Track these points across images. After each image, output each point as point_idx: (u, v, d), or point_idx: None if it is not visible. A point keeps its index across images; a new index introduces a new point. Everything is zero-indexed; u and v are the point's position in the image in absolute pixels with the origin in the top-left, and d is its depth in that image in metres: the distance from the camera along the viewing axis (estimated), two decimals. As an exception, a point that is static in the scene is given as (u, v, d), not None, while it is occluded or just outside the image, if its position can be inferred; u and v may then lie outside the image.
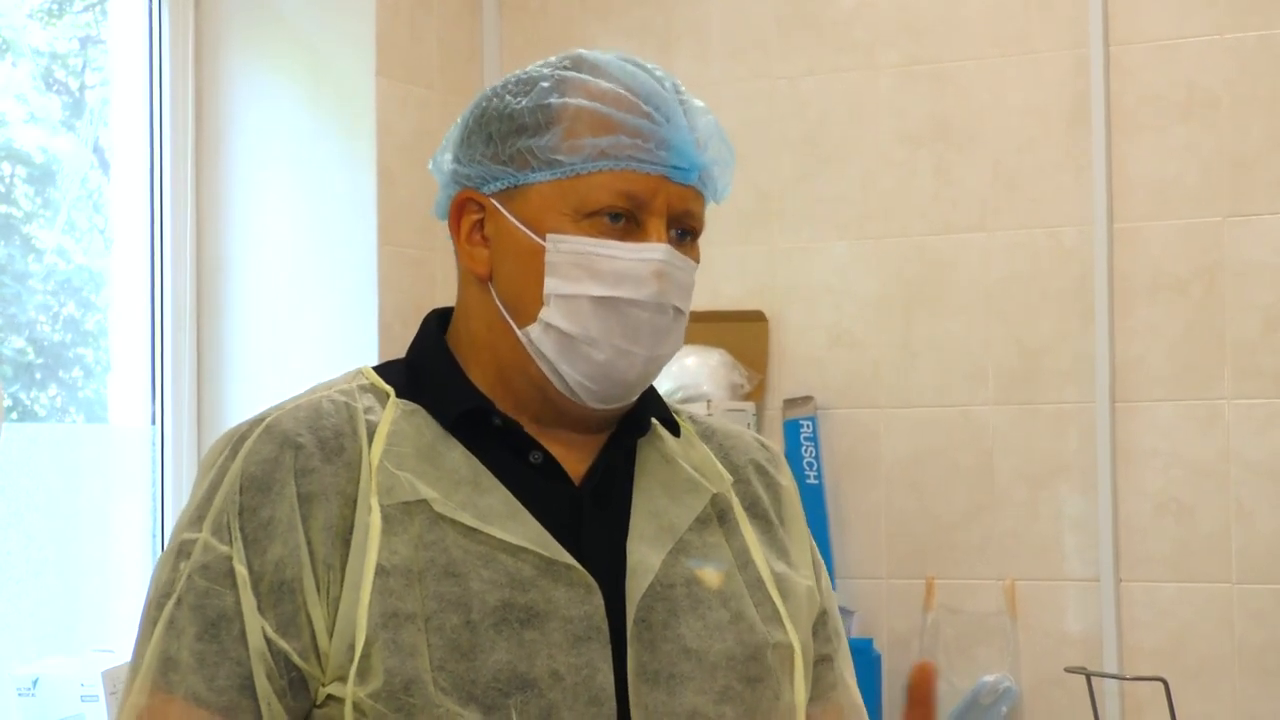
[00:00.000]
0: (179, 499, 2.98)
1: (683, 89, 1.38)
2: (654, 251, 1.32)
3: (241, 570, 1.27)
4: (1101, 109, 3.12)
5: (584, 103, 1.32)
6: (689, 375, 3.14)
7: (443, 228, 1.41)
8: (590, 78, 1.34)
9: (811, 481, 3.22)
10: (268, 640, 1.26)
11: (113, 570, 3.00)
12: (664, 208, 1.33)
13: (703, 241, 1.40)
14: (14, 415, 2.85)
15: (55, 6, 3.08)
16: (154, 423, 3.09)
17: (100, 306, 3.10)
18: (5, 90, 2.94)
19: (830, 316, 3.30)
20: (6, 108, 2.95)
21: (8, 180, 2.95)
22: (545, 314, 1.33)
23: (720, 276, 3.31)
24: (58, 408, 3.02)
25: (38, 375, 2.97)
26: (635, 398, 1.39)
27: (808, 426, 3.25)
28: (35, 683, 2.61)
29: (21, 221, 2.97)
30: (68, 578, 2.92)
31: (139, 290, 3.10)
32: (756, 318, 3.33)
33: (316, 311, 3.10)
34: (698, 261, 1.38)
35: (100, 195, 3.11)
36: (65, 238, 3.04)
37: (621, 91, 1.33)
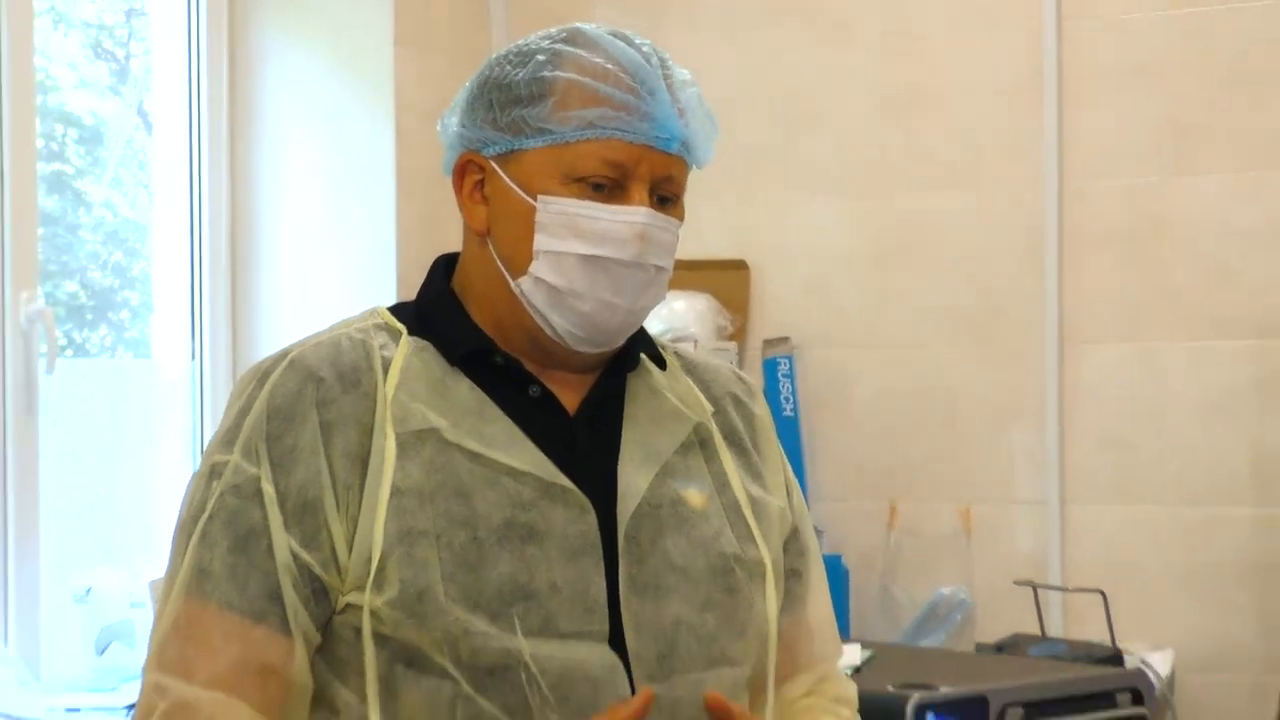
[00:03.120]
0: (215, 426, 2.98)
1: (670, 63, 1.36)
2: (635, 214, 1.31)
3: (269, 490, 1.27)
4: (1054, 79, 3.11)
5: (574, 77, 1.31)
6: (677, 318, 3.14)
7: (454, 184, 1.40)
8: (582, 52, 1.32)
9: (788, 414, 3.22)
10: (293, 554, 1.26)
11: (156, 490, 3.00)
12: (647, 174, 1.32)
13: (691, 197, 1.38)
14: (68, 352, 2.85)
15: (102, -20, 3.05)
16: (193, 358, 3.09)
17: (145, 254, 3.09)
18: (58, 58, 2.92)
19: (807, 266, 3.30)
20: (59, 74, 2.93)
21: (60, 140, 2.94)
22: (535, 268, 1.32)
23: (707, 228, 3.30)
24: (107, 345, 3.02)
25: (89, 316, 2.97)
26: (620, 343, 1.38)
27: (785, 364, 3.26)
28: (89, 591, 2.62)
29: (73, 178, 2.96)
30: (116, 497, 2.93)
31: (179, 240, 3.10)
32: (739, 266, 3.32)
33: (340, 259, 3.09)
34: (681, 219, 1.37)
35: (144, 154, 3.10)
36: (113, 192, 3.03)
37: (610, 67, 1.31)
